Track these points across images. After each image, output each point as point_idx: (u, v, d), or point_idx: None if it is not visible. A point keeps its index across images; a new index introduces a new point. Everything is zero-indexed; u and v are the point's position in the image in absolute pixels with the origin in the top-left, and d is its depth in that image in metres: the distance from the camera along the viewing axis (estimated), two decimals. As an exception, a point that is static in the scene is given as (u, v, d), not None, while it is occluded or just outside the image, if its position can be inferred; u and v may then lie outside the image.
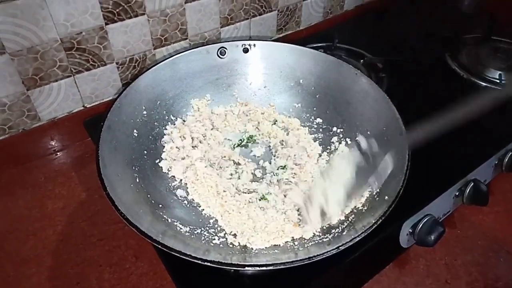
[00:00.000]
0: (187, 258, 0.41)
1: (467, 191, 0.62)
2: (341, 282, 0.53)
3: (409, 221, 0.56)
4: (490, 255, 0.62)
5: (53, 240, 0.59)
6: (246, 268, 0.42)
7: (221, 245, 0.51)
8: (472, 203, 0.63)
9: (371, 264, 0.58)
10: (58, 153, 0.72)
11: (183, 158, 0.62)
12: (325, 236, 0.50)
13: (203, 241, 0.50)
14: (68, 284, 0.54)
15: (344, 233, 0.48)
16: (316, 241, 0.50)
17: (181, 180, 0.60)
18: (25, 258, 0.57)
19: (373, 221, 0.43)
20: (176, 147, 0.63)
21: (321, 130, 0.68)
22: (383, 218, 0.43)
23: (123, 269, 0.56)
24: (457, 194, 0.62)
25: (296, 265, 0.41)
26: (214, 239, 0.52)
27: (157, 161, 0.62)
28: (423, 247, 0.58)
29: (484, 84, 0.80)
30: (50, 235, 0.59)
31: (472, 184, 0.62)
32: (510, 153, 0.67)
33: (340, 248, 0.42)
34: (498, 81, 0.79)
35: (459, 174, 0.62)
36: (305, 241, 0.50)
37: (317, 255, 0.41)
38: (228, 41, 0.69)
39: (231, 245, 0.51)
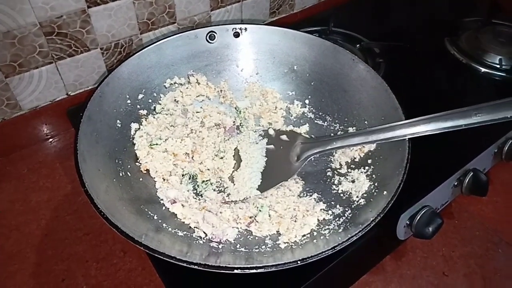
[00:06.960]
0: (171, 260, 0.39)
1: (466, 181, 0.60)
2: (338, 276, 0.52)
3: (407, 213, 0.54)
4: (489, 247, 0.60)
5: (37, 235, 0.57)
6: (235, 271, 0.40)
7: (209, 244, 0.48)
8: (471, 194, 0.61)
9: (368, 257, 0.56)
10: (41, 143, 0.69)
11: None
12: (321, 233, 0.48)
13: (188, 239, 0.48)
14: (53, 281, 0.52)
15: (340, 230, 0.46)
16: (312, 238, 0.47)
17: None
18: (8, 254, 0.55)
19: (371, 219, 0.41)
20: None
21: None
22: (381, 215, 0.41)
23: (111, 264, 0.54)
24: (455, 184, 0.60)
25: (290, 266, 0.38)
26: (199, 238, 0.49)
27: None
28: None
29: (483, 69, 0.77)
30: (34, 230, 0.57)
31: (472, 174, 0.60)
32: (510, 141, 0.65)
33: (335, 248, 0.40)
34: (498, 66, 0.77)
35: (458, 164, 0.60)
36: (300, 238, 0.48)
37: (312, 256, 0.39)
38: (218, 25, 0.65)
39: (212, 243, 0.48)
